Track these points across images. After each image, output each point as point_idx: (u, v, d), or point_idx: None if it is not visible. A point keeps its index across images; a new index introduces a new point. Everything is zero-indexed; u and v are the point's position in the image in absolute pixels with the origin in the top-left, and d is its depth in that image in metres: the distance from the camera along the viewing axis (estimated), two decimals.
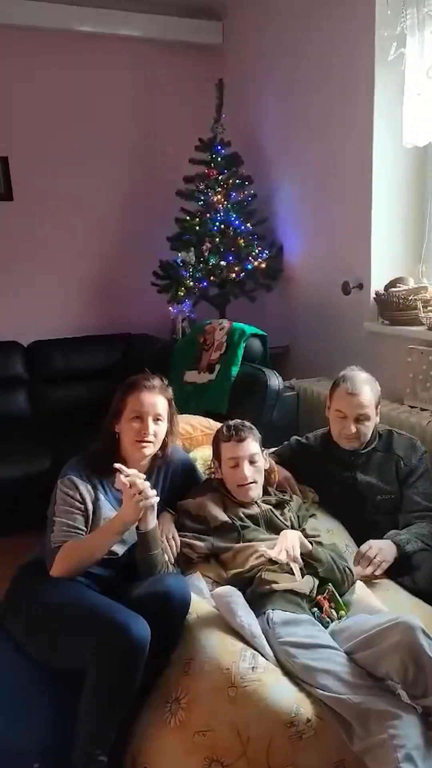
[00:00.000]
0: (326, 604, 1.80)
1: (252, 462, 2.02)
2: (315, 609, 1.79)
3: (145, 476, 1.93)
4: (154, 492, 1.71)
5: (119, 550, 1.80)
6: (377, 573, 1.93)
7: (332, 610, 1.80)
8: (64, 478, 1.80)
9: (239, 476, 2.00)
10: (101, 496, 1.83)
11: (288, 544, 1.83)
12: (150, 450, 1.88)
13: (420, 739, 1.41)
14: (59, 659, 1.67)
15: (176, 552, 1.90)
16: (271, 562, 1.82)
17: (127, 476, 1.69)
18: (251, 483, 2.01)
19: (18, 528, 2.85)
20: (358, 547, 2.06)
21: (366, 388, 2.12)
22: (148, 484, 1.71)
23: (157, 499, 1.73)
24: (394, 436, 2.23)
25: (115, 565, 1.80)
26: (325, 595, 1.82)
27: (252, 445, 2.04)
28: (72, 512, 1.76)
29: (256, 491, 2.03)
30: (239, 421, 2.11)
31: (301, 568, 1.81)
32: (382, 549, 1.94)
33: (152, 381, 1.91)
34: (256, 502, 2.03)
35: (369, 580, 1.94)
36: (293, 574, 1.80)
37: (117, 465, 1.73)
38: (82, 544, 1.72)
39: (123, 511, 1.71)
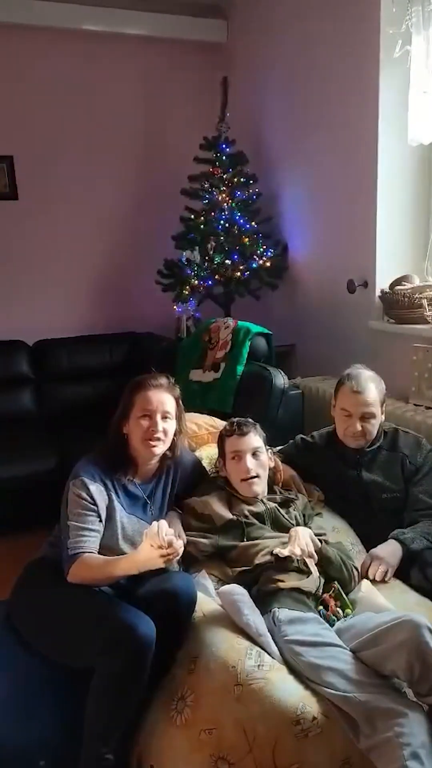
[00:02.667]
0: (332, 603, 1.80)
1: (255, 455, 2.03)
2: (321, 607, 1.79)
3: (155, 479, 1.95)
4: (181, 543, 1.66)
5: (128, 551, 1.80)
6: (387, 579, 1.91)
7: (338, 609, 1.80)
8: (75, 479, 1.78)
9: (242, 469, 2.01)
10: (113, 497, 1.82)
11: (301, 541, 1.84)
12: (160, 448, 1.87)
13: (426, 737, 1.41)
14: (67, 657, 1.68)
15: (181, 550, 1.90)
16: (278, 560, 1.82)
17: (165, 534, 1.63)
18: (254, 477, 2.01)
19: (25, 526, 2.87)
20: (364, 545, 2.06)
21: (371, 386, 2.12)
22: (181, 543, 1.66)
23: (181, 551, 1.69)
24: (400, 434, 2.22)
25: None
26: (330, 593, 1.82)
27: (255, 439, 2.05)
28: (85, 514, 1.74)
29: (260, 486, 2.03)
30: (242, 418, 2.12)
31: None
32: (385, 557, 1.92)
33: (159, 380, 1.91)
34: (261, 500, 2.03)
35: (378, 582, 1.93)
36: (300, 572, 1.80)
37: (160, 523, 1.66)
38: (94, 570, 1.67)
39: (146, 561, 1.64)
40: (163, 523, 1.67)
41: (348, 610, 1.80)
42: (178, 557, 1.66)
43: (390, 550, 1.95)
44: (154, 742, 1.57)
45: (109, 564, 1.68)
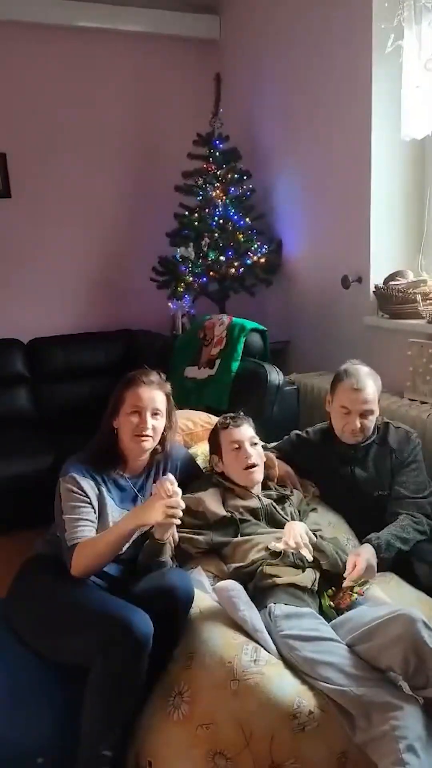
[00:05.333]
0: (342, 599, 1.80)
1: (253, 444, 2.07)
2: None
3: (145, 473, 1.96)
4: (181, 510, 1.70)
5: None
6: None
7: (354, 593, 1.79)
8: (65, 476, 1.80)
9: (243, 457, 2.03)
10: (104, 492, 1.84)
11: (296, 534, 1.85)
12: (149, 444, 1.89)
13: (422, 730, 1.42)
14: (64, 655, 1.68)
15: (173, 547, 1.90)
16: (274, 555, 1.83)
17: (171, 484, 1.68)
18: (255, 466, 2.04)
19: (21, 525, 2.87)
20: (359, 540, 2.06)
21: (370, 382, 2.12)
22: (183, 504, 1.69)
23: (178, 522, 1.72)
24: (390, 429, 2.22)
25: (119, 560, 1.80)
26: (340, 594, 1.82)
27: (249, 429, 2.10)
28: (79, 506, 1.76)
29: (259, 475, 2.06)
30: (233, 413, 2.16)
31: (305, 559, 1.82)
32: (370, 560, 1.85)
33: (150, 376, 1.92)
34: (257, 497, 2.04)
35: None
36: (296, 568, 1.81)
37: (168, 476, 1.72)
38: (94, 543, 1.70)
39: (146, 511, 1.67)
40: (171, 476, 1.70)
41: (358, 588, 1.80)
42: (175, 519, 1.67)
43: (371, 554, 1.89)
44: (152, 738, 1.57)
45: (108, 531, 1.72)
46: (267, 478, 2.14)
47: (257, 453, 2.07)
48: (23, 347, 3.69)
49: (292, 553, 1.82)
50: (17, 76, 3.72)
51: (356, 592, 1.80)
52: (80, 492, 1.77)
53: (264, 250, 3.55)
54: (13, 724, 1.62)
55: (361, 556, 1.85)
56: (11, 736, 1.61)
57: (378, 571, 1.90)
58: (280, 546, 1.82)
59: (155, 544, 1.76)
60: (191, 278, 3.56)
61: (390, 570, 1.97)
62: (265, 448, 2.17)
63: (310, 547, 1.84)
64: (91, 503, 1.78)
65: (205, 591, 1.80)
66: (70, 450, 1.95)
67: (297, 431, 2.40)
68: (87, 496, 1.78)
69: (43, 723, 1.65)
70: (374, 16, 2.74)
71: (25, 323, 3.80)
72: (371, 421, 2.15)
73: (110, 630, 1.54)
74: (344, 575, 1.83)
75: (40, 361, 3.70)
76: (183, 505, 1.67)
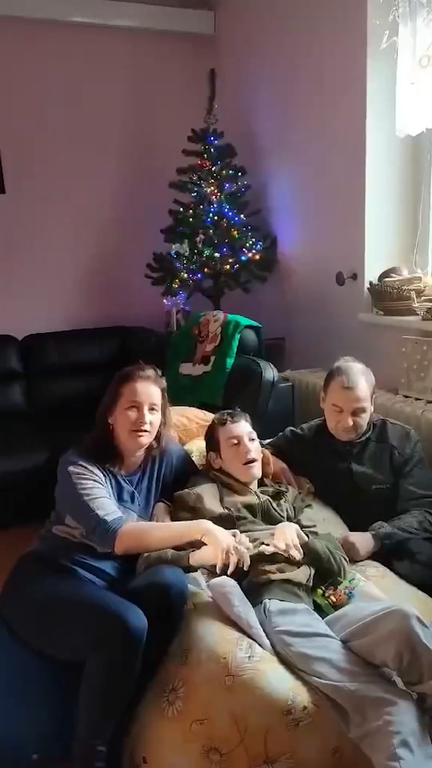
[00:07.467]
0: (337, 594, 1.82)
1: (251, 439, 2.08)
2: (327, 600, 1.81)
3: (140, 470, 1.97)
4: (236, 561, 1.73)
5: None
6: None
7: (344, 594, 1.81)
8: (73, 464, 1.80)
9: (243, 452, 2.04)
10: (106, 484, 1.84)
11: (287, 537, 1.85)
12: (146, 439, 1.89)
13: (415, 725, 1.42)
14: (58, 651, 1.68)
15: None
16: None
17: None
18: (254, 460, 2.05)
19: (16, 522, 2.87)
20: None
21: (362, 380, 2.12)
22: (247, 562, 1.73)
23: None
24: (388, 425, 2.23)
25: (113, 556, 1.80)
26: (332, 591, 1.84)
27: (247, 425, 2.11)
28: (95, 486, 1.77)
29: (258, 470, 2.07)
30: (229, 409, 2.18)
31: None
32: (356, 543, 1.96)
33: (146, 371, 1.92)
34: (255, 492, 2.05)
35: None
36: (291, 563, 1.81)
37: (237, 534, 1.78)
38: (145, 535, 1.77)
39: (217, 532, 1.74)
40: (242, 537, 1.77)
41: (347, 583, 1.83)
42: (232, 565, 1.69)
43: (364, 541, 1.98)
44: (146, 734, 1.57)
45: (167, 528, 1.80)
46: (263, 474, 2.14)
47: (256, 448, 2.08)
48: (17, 343, 3.69)
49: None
50: (11, 71, 3.70)
51: (346, 587, 1.82)
52: (92, 473, 1.79)
53: (259, 246, 3.54)
54: (8, 719, 1.63)
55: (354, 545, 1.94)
56: (6, 731, 1.62)
57: (373, 561, 1.95)
58: (269, 549, 1.82)
59: (186, 566, 1.76)
60: (186, 275, 3.55)
61: (385, 566, 1.98)
62: (260, 444, 2.17)
63: (300, 548, 1.84)
64: (103, 484, 1.80)
65: (199, 587, 1.80)
66: (64, 446, 1.95)
67: (292, 428, 2.41)
68: (99, 477, 1.80)
69: (37, 718, 1.66)
70: (369, 12, 2.73)
71: (20, 319, 3.79)
72: (364, 419, 2.15)
73: (105, 626, 1.54)
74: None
75: (34, 358, 3.70)
76: (247, 563, 1.71)
